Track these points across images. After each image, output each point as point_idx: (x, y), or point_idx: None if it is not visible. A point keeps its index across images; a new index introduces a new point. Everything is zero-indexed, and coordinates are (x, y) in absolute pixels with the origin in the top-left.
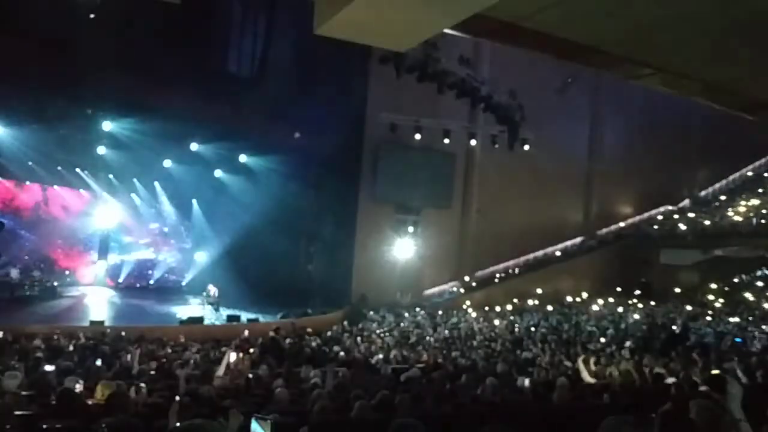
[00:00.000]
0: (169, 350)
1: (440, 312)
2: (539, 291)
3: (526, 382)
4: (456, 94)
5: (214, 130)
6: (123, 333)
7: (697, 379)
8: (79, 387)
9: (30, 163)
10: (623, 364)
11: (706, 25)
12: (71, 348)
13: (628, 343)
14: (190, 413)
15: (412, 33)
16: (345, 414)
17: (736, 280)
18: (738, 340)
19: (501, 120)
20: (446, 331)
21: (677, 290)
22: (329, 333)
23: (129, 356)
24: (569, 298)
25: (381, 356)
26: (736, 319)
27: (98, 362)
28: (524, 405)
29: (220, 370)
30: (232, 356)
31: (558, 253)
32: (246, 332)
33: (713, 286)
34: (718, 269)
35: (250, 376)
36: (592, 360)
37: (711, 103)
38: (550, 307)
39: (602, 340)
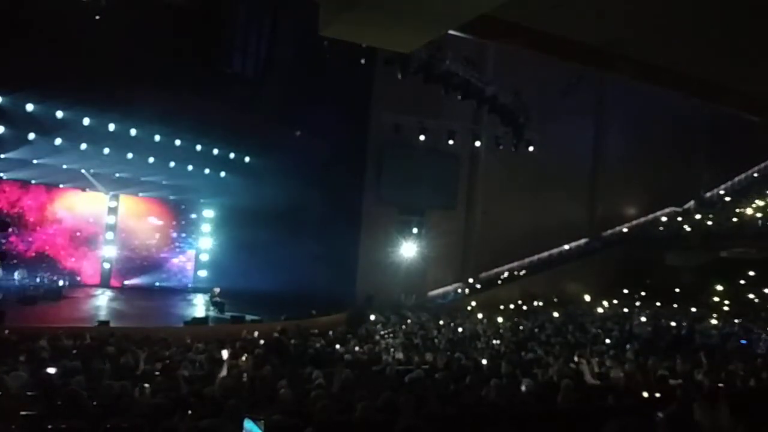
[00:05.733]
0: (174, 350)
1: (444, 313)
2: (544, 292)
3: (530, 383)
4: (461, 95)
5: (218, 131)
6: (128, 334)
7: (703, 380)
8: None
9: (35, 161)
10: (628, 366)
11: (710, 25)
12: (76, 349)
13: (633, 345)
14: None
15: (417, 34)
16: (349, 415)
17: (741, 281)
18: (743, 341)
19: (505, 121)
20: (450, 333)
21: (682, 292)
22: (333, 334)
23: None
24: (574, 300)
25: (385, 357)
26: (741, 321)
27: (104, 363)
28: (528, 406)
29: (223, 371)
30: (224, 354)
31: (563, 254)
32: (255, 333)
33: (719, 287)
34: (723, 271)
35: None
36: (594, 361)
37: (716, 103)
38: (554, 310)
39: (607, 341)
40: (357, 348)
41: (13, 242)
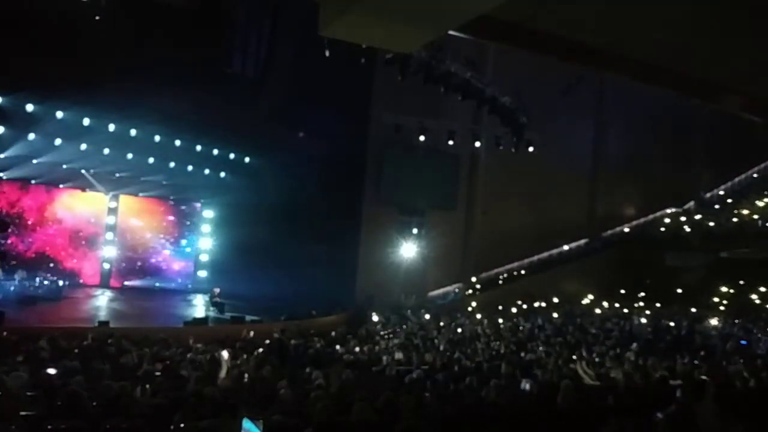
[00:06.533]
0: (174, 350)
1: (444, 313)
2: (544, 293)
3: (530, 384)
4: (461, 95)
5: (218, 131)
6: (128, 334)
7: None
8: None
9: (35, 161)
10: (627, 366)
11: (710, 26)
12: (76, 349)
13: (633, 345)
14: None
15: (417, 34)
16: (348, 415)
17: (741, 282)
18: (743, 342)
19: (505, 121)
20: (450, 333)
21: (682, 292)
22: (334, 334)
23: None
24: (574, 300)
25: (385, 358)
26: (741, 321)
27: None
28: (528, 407)
29: (222, 372)
30: (225, 354)
31: (563, 255)
32: (251, 333)
33: (719, 288)
34: (723, 271)
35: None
36: (590, 368)
37: (716, 103)
38: (554, 310)
39: (607, 342)
40: (357, 348)
41: (13, 243)
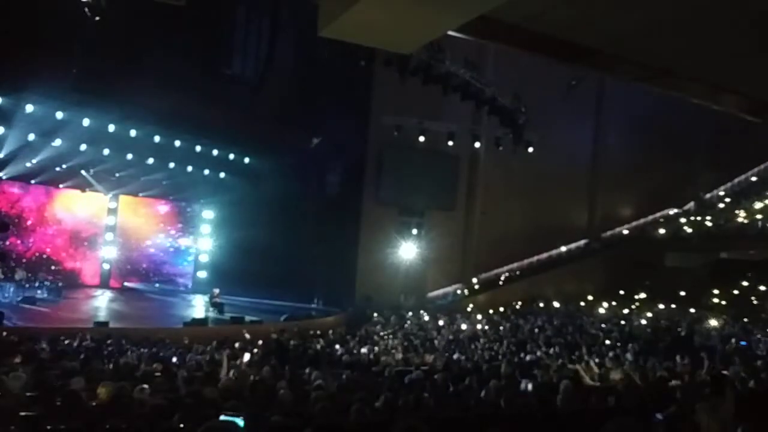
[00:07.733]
0: (173, 351)
1: (444, 314)
2: (543, 293)
3: (530, 385)
4: (460, 96)
5: (218, 132)
6: (127, 334)
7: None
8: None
9: (34, 161)
10: (627, 367)
11: (710, 26)
12: (76, 349)
13: (632, 346)
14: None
15: (417, 35)
16: (347, 416)
17: (741, 282)
18: (743, 343)
19: (505, 122)
20: (450, 334)
21: (682, 293)
22: (333, 335)
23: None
24: (573, 301)
25: (384, 358)
26: (741, 322)
27: (103, 363)
28: (528, 408)
29: (223, 371)
30: (246, 356)
31: (562, 256)
32: (247, 335)
33: (718, 289)
34: (723, 272)
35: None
36: (593, 364)
37: (716, 105)
38: (554, 311)
39: (606, 342)
40: (356, 349)
41: (13, 243)
